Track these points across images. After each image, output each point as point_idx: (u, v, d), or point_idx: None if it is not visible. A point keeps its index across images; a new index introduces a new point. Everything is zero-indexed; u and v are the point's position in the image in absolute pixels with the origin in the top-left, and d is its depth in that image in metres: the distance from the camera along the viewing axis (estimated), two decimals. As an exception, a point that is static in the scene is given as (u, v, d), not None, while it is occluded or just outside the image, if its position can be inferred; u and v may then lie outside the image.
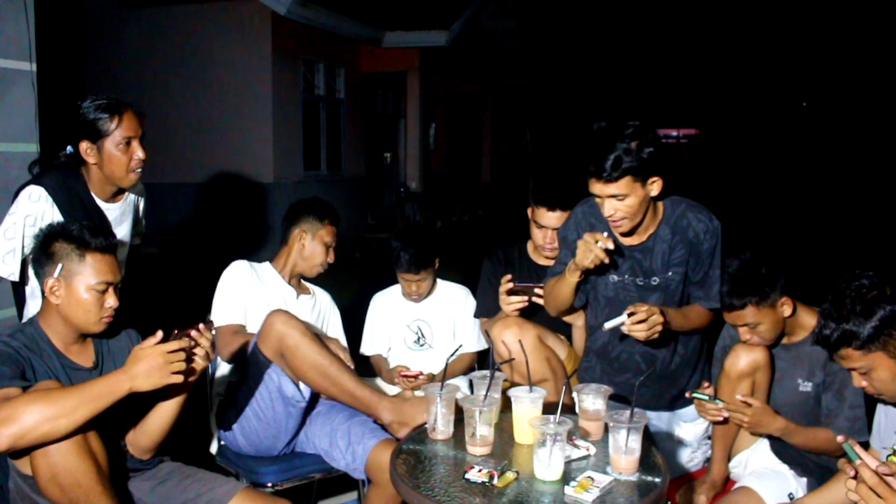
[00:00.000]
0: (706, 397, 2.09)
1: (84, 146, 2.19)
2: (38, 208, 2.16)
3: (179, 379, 1.69)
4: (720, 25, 22.27)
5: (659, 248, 2.25)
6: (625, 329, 2.03)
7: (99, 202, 2.29)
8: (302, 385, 2.25)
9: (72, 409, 1.58)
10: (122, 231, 2.39)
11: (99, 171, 2.23)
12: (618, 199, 2.07)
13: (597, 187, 2.08)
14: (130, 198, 2.43)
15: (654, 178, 2.09)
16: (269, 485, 2.32)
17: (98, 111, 2.18)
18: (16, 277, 2.18)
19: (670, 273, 2.25)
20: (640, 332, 2.01)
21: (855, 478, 1.34)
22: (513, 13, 13.89)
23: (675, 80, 24.42)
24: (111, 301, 1.82)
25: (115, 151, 2.19)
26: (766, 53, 22.84)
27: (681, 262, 2.24)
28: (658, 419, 2.47)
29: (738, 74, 23.66)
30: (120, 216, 2.37)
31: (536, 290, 2.37)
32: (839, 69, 22.05)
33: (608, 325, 2.07)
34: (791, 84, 23.87)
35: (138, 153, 2.23)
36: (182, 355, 1.70)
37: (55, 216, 2.17)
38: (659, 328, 2.03)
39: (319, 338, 2.32)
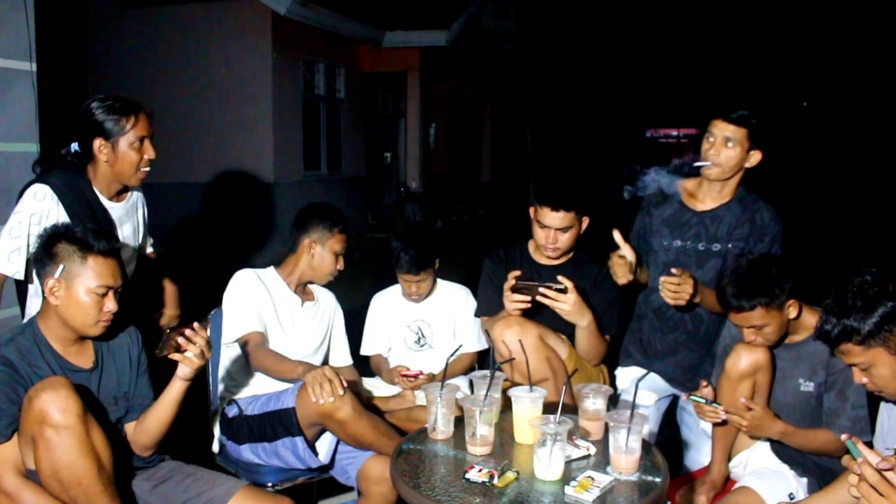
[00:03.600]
0: (704, 399, 2.08)
1: (98, 143, 2.21)
2: (43, 206, 2.17)
3: None
4: (720, 25, 22.27)
5: (727, 219, 2.45)
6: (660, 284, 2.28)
7: (103, 200, 2.29)
8: (321, 454, 2.29)
9: None
10: (127, 230, 2.40)
11: (108, 169, 2.25)
12: (729, 145, 2.35)
13: (720, 125, 2.35)
14: (134, 197, 2.44)
15: (757, 151, 2.37)
16: (269, 485, 2.32)
17: (114, 110, 2.21)
18: (21, 276, 2.18)
19: (730, 245, 2.44)
20: (667, 292, 2.25)
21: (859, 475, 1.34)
22: (513, 13, 13.88)
23: (676, 80, 24.40)
24: (110, 305, 1.82)
25: (129, 150, 2.23)
26: (766, 53, 22.84)
27: (741, 237, 2.43)
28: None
29: (738, 74, 23.66)
30: (124, 215, 2.38)
31: (541, 290, 2.36)
32: (839, 69, 22.05)
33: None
34: (791, 84, 23.88)
35: (149, 152, 2.27)
36: None
37: (60, 214, 2.18)
38: (685, 297, 2.24)
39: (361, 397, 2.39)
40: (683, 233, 2.50)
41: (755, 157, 2.39)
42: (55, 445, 1.62)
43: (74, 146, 2.28)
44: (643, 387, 2.55)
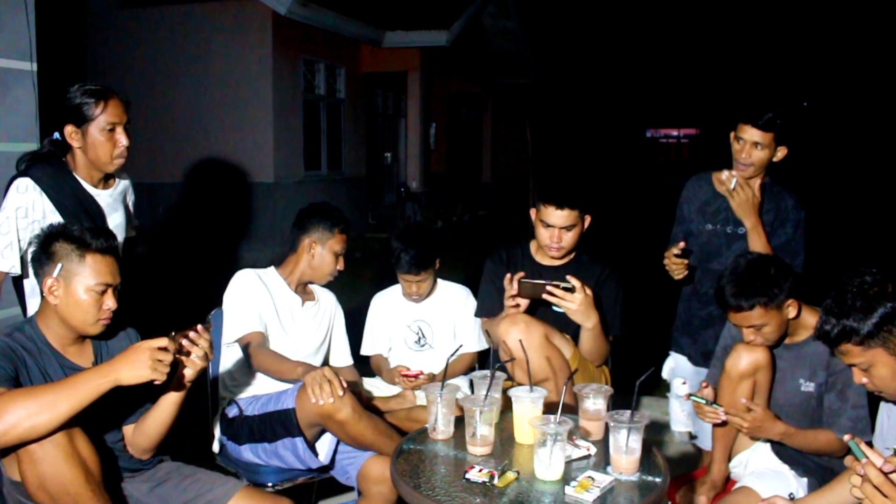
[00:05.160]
0: (704, 400, 2.08)
1: (69, 130, 2.21)
2: (26, 199, 2.17)
3: (161, 377, 1.64)
4: (720, 25, 22.27)
5: None
6: None
7: (88, 188, 2.28)
8: (321, 454, 2.28)
9: (53, 403, 1.56)
10: (116, 219, 2.39)
11: (83, 156, 2.24)
12: (759, 149, 2.51)
13: (748, 132, 2.51)
14: (122, 186, 2.43)
15: (783, 147, 2.53)
16: (269, 485, 2.32)
17: (84, 96, 2.19)
18: (17, 271, 2.18)
19: None
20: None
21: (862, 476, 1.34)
22: (513, 13, 13.88)
23: (676, 80, 24.41)
24: (109, 303, 1.81)
25: (100, 136, 2.20)
26: (767, 53, 22.83)
27: (767, 223, 2.59)
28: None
29: (738, 74, 23.66)
30: (112, 203, 2.37)
31: (548, 287, 2.34)
32: (839, 69, 22.04)
33: None
34: (791, 84, 23.87)
35: (122, 140, 2.24)
36: (170, 355, 1.66)
37: (45, 205, 2.17)
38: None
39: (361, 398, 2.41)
40: (713, 217, 2.70)
41: (781, 153, 2.56)
42: (39, 458, 1.59)
43: (56, 135, 2.27)
44: (677, 374, 2.80)
